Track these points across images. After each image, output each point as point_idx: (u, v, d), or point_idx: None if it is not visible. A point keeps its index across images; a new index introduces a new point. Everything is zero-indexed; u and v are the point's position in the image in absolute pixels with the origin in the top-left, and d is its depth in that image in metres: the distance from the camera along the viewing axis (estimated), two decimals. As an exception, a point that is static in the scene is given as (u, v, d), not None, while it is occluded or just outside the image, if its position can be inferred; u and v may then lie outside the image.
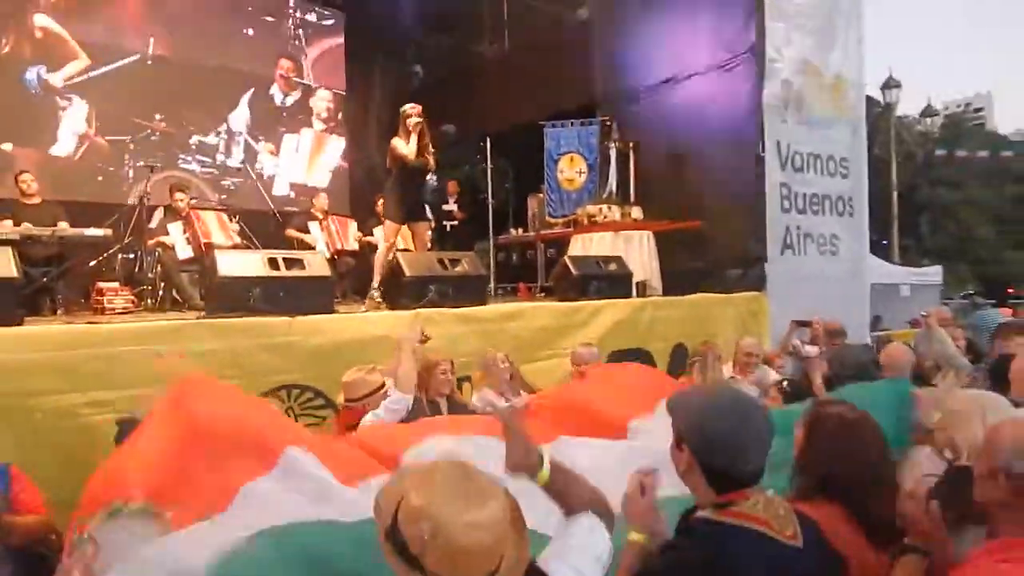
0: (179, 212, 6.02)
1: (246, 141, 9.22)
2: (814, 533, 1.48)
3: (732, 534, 1.38)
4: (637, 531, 1.49)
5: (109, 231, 5.50)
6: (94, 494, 1.95)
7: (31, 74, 7.52)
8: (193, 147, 8.75)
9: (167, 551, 1.73)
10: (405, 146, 5.04)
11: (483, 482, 1.11)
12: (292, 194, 9.50)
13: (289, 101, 9.67)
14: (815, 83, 6.84)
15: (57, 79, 7.66)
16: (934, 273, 13.05)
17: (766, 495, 1.47)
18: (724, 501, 1.42)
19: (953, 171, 27.09)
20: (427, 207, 6.14)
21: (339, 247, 6.81)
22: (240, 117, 9.14)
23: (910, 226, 22.55)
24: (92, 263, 6.02)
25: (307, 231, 6.82)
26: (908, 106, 27.28)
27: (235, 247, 5.74)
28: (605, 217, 7.31)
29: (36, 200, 5.72)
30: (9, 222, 5.27)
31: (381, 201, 6.13)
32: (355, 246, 6.91)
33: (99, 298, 4.91)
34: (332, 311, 4.15)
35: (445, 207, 8.53)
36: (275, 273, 3.99)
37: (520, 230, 8.81)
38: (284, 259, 4.12)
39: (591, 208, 7.52)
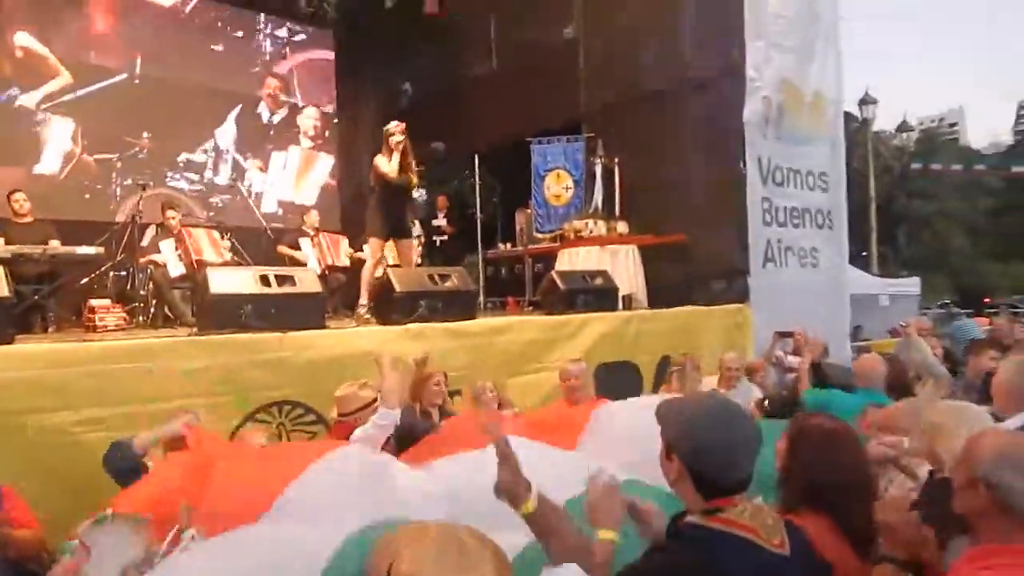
0: (171, 230, 6.02)
1: (234, 159, 9.24)
2: (802, 542, 1.48)
3: (720, 540, 1.37)
4: (609, 529, 1.51)
5: (101, 249, 5.49)
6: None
7: (13, 92, 7.51)
8: (181, 165, 8.76)
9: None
10: (387, 164, 5.09)
11: (474, 547, 1.09)
12: (280, 211, 9.52)
13: (276, 119, 9.72)
14: (795, 100, 6.99)
15: (36, 97, 7.65)
16: (912, 284, 13.24)
17: (754, 503, 1.47)
18: (712, 507, 1.42)
19: (928, 184, 27.72)
20: (412, 224, 6.16)
21: (330, 263, 6.83)
22: (227, 134, 9.17)
23: (888, 238, 23.03)
24: (84, 281, 6.00)
25: (298, 248, 6.83)
26: (884, 121, 27.89)
27: (226, 264, 5.75)
28: (591, 232, 7.38)
29: (28, 219, 5.69)
30: (0, 241, 5.24)
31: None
32: (346, 262, 6.93)
33: (91, 316, 4.89)
34: (323, 327, 4.17)
35: (435, 222, 8.62)
36: (266, 290, 4.01)
37: (508, 245, 8.87)
38: (275, 276, 4.14)
39: (577, 223, 7.59)
